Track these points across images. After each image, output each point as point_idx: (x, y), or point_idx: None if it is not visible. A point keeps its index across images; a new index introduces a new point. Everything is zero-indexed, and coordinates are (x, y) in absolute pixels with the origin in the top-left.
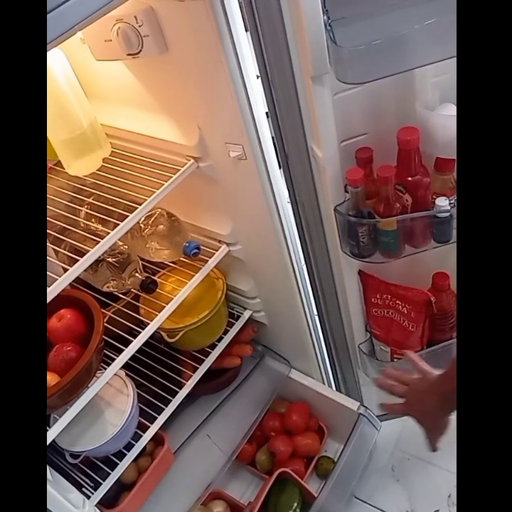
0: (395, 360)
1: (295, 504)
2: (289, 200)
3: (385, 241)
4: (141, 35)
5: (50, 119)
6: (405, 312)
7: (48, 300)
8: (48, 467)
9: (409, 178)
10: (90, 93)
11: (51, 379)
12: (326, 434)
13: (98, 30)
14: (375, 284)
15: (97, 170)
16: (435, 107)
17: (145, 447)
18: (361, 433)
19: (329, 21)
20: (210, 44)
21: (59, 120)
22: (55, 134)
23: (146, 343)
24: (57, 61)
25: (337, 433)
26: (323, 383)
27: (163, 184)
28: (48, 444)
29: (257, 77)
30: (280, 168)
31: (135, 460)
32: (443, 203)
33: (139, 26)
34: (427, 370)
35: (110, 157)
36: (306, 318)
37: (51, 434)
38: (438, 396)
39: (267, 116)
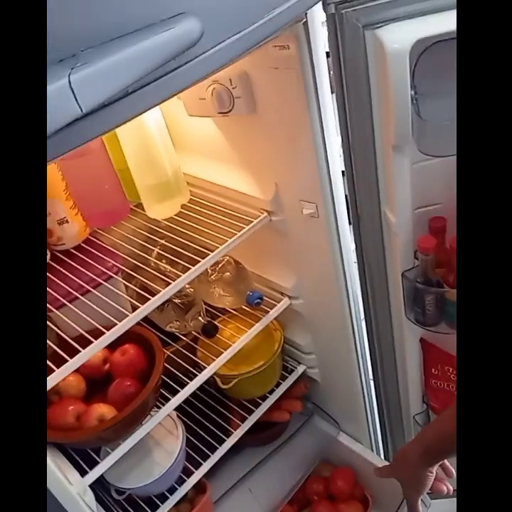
0: None
1: None
2: (355, 261)
3: (452, 312)
4: (233, 96)
5: (139, 166)
6: None
7: (117, 336)
8: (94, 501)
9: None
10: (177, 143)
11: (108, 412)
12: (371, 505)
13: (194, 89)
14: (437, 355)
15: (174, 214)
16: None
17: (186, 493)
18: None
19: (416, 96)
20: (296, 108)
21: (147, 167)
22: (141, 178)
23: (198, 386)
24: (152, 113)
25: (382, 505)
26: (372, 450)
27: (235, 233)
28: (97, 477)
29: (337, 135)
30: (350, 224)
31: (175, 505)
32: None
33: (233, 88)
34: None
35: (187, 203)
36: (361, 381)
37: (101, 468)
38: (419, 445)
39: (343, 175)
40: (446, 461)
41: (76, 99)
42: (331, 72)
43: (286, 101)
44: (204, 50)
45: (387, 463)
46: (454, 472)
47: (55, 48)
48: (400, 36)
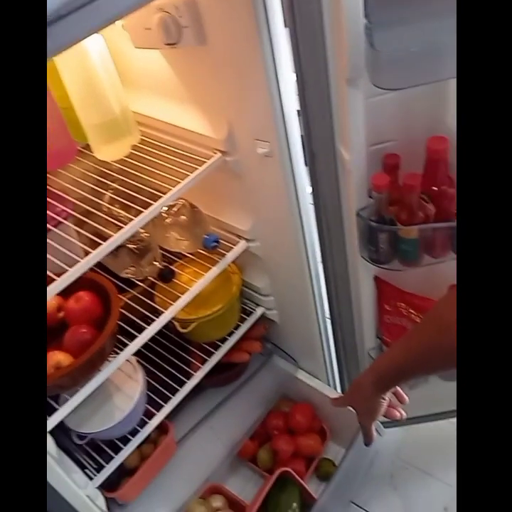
0: None
1: (295, 504)
2: (311, 201)
3: (404, 249)
4: (181, 26)
5: (83, 103)
6: (418, 322)
7: (69, 282)
8: (54, 446)
9: (435, 188)
10: (124, 79)
11: (64, 359)
12: (328, 437)
13: (139, 18)
14: (390, 292)
15: (125, 156)
16: None
17: (149, 434)
18: None
19: (369, 25)
20: (247, 39)
21: (92, 104)
22: (86, 117)
23: (158, 331)
24: (95, 45)
25: (339, 436)
26: (329, 386)
27: (188, 175)
28: (56, 423)
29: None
30: (305, 166)
31: (139, 446)
32: None
33: (180, 17)
34: None
35: (138, 144)
36: (318, 320)
37: (60, 414)
38: (371, 374)
39: (298, 115)
40: (398, 388)
41: None
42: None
43: (237, 32)
44: None
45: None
46: (407, 398)
47: None
48: None
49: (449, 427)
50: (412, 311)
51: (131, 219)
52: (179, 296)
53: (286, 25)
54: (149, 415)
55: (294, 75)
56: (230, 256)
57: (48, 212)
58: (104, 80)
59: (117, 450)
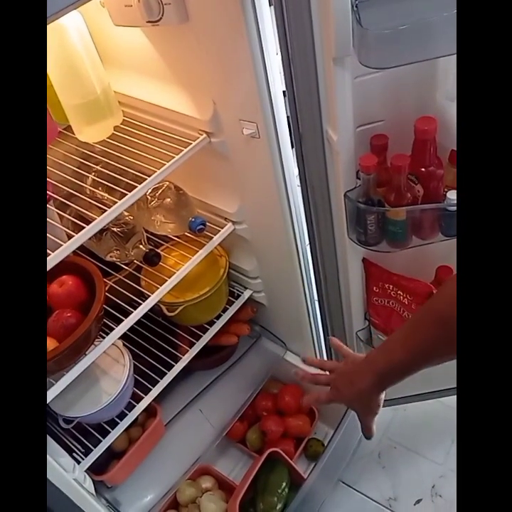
0: None
1: (284, 484)
2: (298, 183)
3: (392, 230)
4: (163, 3)
5: (63, 82)
6: (406, 303)
7: (52, 266)
8: None
9: (423, 169)
10: (106, 59)
11: (49, 344)
12: (317, 417)
13: None
14: (378, 273)
15: (107, 138)
16: (455, 98)
17: (137, 417)
18: (353, 418)
19: (356, 2)
20: (232, 16)
21: (72, 84)
22: (67, 97)
23: (145, 315)
24: (74, 23)
25: (327, 416)
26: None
27: (173, 157)
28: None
29: (277, 53)
30: (292, 148)
31: (127, 429)
32: (454, 196)
33: None
34: (351, 353)
35: (121, 125)
36: (306, 302)
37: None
38: (372, 376)
39: (284, 95)
40: None
41: None
42: None
43: (221, 9)
44: None
45: None
46: None
47: None
48: None
49: (437, 406)
50: (400, 293)
51: (115, 201)
52: (165, 280)
53: (271, 4)
54: (137, 398)
55: (280, 53)
56: (217, 239)
57: None
58: (84, 58)
59: (105, 433)
